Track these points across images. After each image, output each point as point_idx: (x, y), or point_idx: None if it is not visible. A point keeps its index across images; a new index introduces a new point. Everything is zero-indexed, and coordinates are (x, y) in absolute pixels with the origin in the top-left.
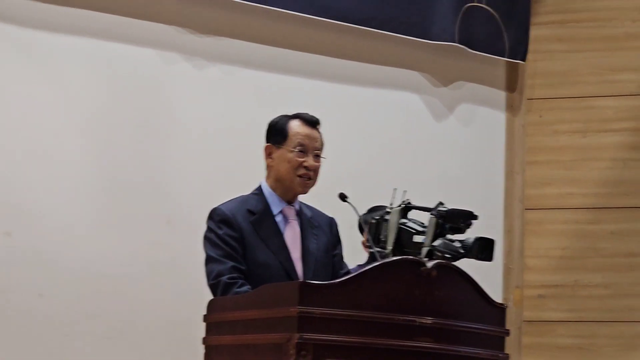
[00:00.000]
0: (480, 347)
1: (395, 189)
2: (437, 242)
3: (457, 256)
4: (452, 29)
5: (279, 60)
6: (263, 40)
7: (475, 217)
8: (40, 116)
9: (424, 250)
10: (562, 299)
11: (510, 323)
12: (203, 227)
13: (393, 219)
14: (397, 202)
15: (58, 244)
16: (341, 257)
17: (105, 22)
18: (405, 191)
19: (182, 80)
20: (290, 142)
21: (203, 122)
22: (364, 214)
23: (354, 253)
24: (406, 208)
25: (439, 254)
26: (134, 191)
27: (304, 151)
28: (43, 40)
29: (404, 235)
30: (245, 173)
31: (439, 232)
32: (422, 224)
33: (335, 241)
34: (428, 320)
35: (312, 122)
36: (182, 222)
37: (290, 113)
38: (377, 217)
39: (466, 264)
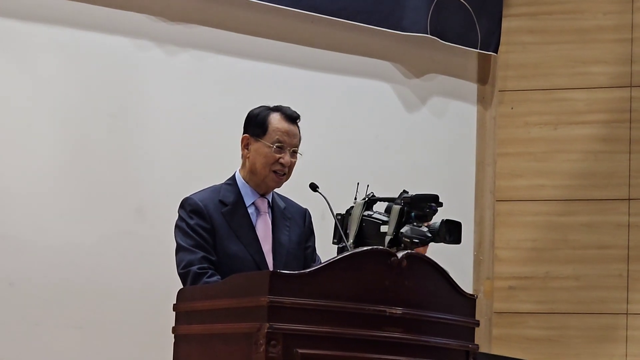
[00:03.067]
0: (450, 338)
1: (358, 183)
2: (404, 229)
3: (425, 240)
4: (424, 21)
5: (250, 48)
6: (234, 28)
7: (439, 202)
8: (10, 104)
9: (387, 238)
10: (533, 290)
11: (481, 314)
12: (173, 216)
13: (356, 212)
14: (362, 195)
15: (28, 232)
16: (314, 249)
17: (76, 10)
18: (368, 185)
19: (153, 67)
20: (269, 137)
21: (174, 109)
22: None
23: (325, 244)
24: (370, 201)
25: (407, 240)
26: (104, 179)
27: (281, 148)
28: (14, 28)
29: (368, 227)
30: (216, 161)
31: (405, 220)
32: (388, 214)
33: (308, 233)
34: (398, 310)
35: (292, 118)
36: (152, 211)
37: (270, 104)
38: (343, 213)
39: (436, 255)
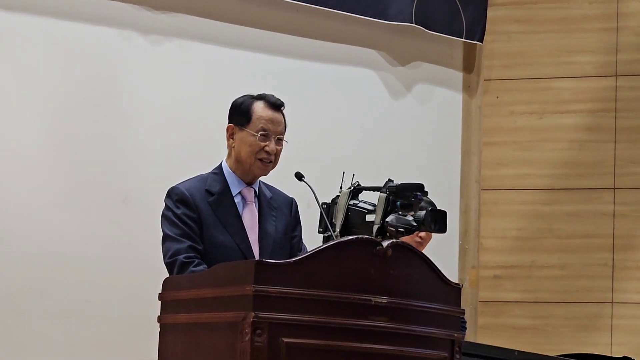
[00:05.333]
0: (435, 327)
1: (343, 172)
2: (389, 218)
3: (411, 229)
4: (410, 10)
5: (235, 37)
6: (219, 17)
7: (424, 190)
8: None
9: (375, 227)
10: (518, 279)
11: (466, 303)
12: (160, 206)
13: (341, 201)
14: (347, 184)
15: (14, 222)
16: (300, 239)
17: (61, 1)
18: (353, 174)
19: (138, 57)
20: (253, 126)
21: (159, 99)
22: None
23: (311, 233)
24: (356, 190)
25: (392, 229)
26: (90, 169)
27: (266, 135)
28: None
29: (354, 216)
30: (202, 150)
31: (390, 209)
32: (374, 204)
33: (294, 222)
34: (383, 299)
35: (276, 105)
36: (139, 201)
37: (254, 93)
38: (329, 202)
39: None
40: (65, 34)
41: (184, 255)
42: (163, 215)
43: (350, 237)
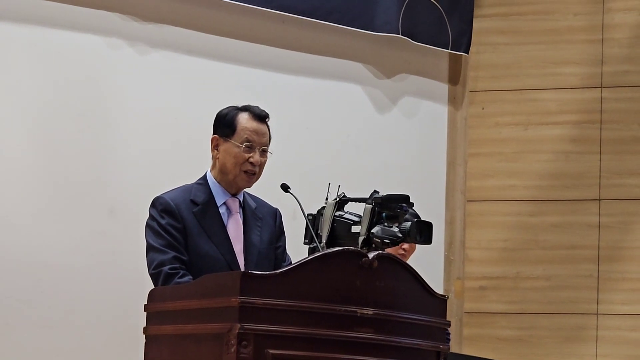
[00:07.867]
0: (420, 338)
1: (329, 184)
2: (374, 229)
3: (396, 241)
4: (396, 21)
5: (221, 49)
6: (206, 29)
7: (410, 202)
8: None
9: (360, 239)
10: (503, 290)
11: (451, 314)
12: (146, 217)
13: (327, 212)
14: (333, 195)
15: None
16: (284, 249)
17: (47, 9)
18: (339, 185)
19: (124, 67)
20: (237, 137)
21: (145, 109)
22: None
23: (297, 244)
24: (341, 201)
25: (378, 240)
26: (75, 180)
27: (250, 147)
28: None
29: (339, 227)
30: (187, 161)
31: (376, 221)
32: (360, 215)
33: (278, 233)
34: (369, 311)
35: (261, 117)
36: (124, 212)
37: (239, 105)
38: (315, 213)
39: None
40: (51, 42)
41: (168, 267)
42: (147, 225)
43: (336, 249)
